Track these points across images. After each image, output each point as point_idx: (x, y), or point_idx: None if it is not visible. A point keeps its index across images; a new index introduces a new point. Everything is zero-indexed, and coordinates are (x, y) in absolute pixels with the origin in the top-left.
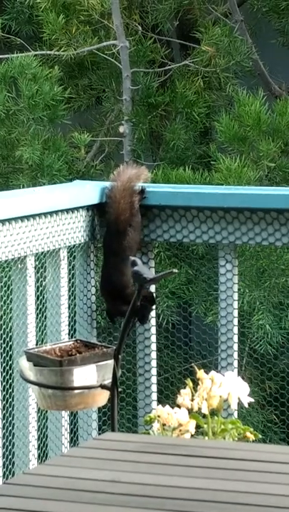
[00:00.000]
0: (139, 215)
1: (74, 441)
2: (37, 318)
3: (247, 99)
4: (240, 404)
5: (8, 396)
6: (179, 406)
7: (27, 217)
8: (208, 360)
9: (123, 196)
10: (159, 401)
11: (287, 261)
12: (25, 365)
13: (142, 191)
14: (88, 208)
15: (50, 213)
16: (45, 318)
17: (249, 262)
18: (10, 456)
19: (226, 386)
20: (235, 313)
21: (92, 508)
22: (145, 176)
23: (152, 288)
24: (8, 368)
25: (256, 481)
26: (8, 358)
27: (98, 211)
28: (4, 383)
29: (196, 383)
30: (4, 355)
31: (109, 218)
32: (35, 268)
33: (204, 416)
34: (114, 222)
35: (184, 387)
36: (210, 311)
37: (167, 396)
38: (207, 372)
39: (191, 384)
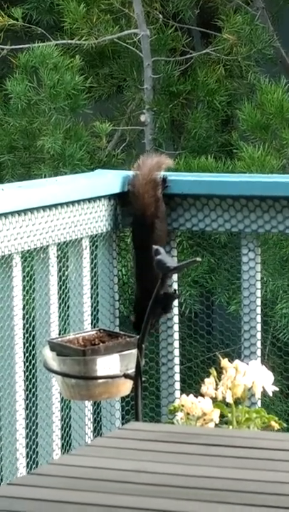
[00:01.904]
0: (163, 205)
1: (97, 430)
2: (60, 307)
3: (269, 87)
4: (263, 393)
5: (31, 386)
6: (202, 395)
7: (49, 207)
8: (231, 349)
9: (146, 190)
10: (182, 390)
11: None
12: (48, 355)
13: (164, 180)
14: (110, 197)
15: (72, 203)
16: (68, 307)
17: (272, 251)
18: (34, 446)
19: (250, 375)
20: (259, 301)
21: (117, 498)
22: (166, 165)
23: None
24: (31, 357)
25: (281, 471)
26: (31, 347)
27: (120, 200)
28: (27, 373)
29: (219, 372)
30: (27, 345)
31: (135, 213)
32: (57, 258)
33: (228, 405)
34: (140, 217)
35: (207, 376)
36: (233, 299)
37: (190, 385)
38: (230, 361)
39: (215, 373)
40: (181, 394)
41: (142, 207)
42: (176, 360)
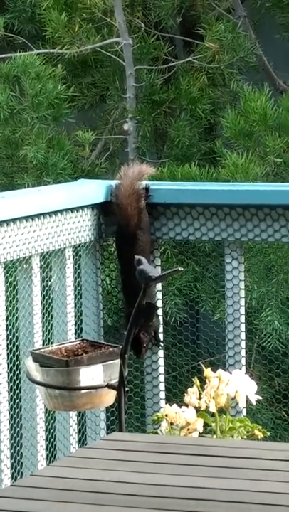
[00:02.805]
0: (146, 216)
1: (82, 441)
2: (43, 318)
3: (252, 94)
4: (248, 401)
5: (15, 397)
6: (186, 405)
7: (32, 217)
8: (216, 358)
9: (129, 202)
10: (168, 399)
11: None
12: (31, 366)
13: (147, 190)
14: (93, 206)
15: (55, 213)
16: (52, 318)
17: (257, 258)
18: (18, 457)
19: (233, 384)
20: (243, 310)
21: (100, 509)
22: (148, 174)
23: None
24: (15, 368)
25: (265, 480)
26: (14, 358)
27: (103, 210)
28: (11, 384)
29: (204, 381)
30: (11, 355)
31: (118, 223)
32: (40, 268)
33: (212, 414)
34: (124, 228)
35: (193, 385)
36: (217, 308)
37: (175, 394)
38: (215, 371)
39: (198, 382)
40: (166, 403)
41: (125, 218)
42: (161, 370)
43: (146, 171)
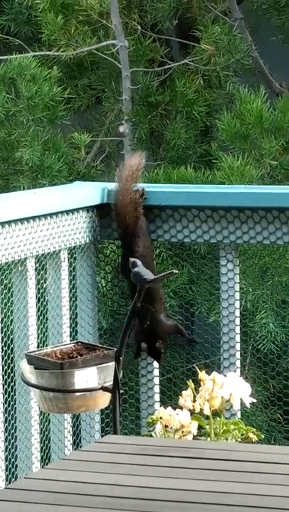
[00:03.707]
0: (143, 221)
1: (77, 443)
2: (38, 320)
3: (248, 96)
4: (243, 404)
5: (10, 399)
6: (181, 407)
7: (27, 219)
8: (210, 360)
9: (128, 212)
10: (162, 402)
11: None
12: (26, 368)
13: (142, 194)
14: (89, 209)
15: (51, 215)
16: (47, 320)
17: (252, 261)
18: (13, 460)
19: (228, 387)
20: (237, 312)
21: None
22: (141, 167)
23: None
24: (9, 370)
25: (259, 483)
26: (9, 360)
27: (99, 212)
28: (6, 386)
29: (198, 384)
30: (5, 358)
31: (118, 231)
32: (35, 270)
33: (207, 417)
34: (123, 235)
35: (187, 388)
36: (212, 310)
37: (170, 397)
38: (210, 373)
39: (192, 385)
40: (161, 406)
41: (124, 227)
42: (156, 372)
43: (137, 166)
